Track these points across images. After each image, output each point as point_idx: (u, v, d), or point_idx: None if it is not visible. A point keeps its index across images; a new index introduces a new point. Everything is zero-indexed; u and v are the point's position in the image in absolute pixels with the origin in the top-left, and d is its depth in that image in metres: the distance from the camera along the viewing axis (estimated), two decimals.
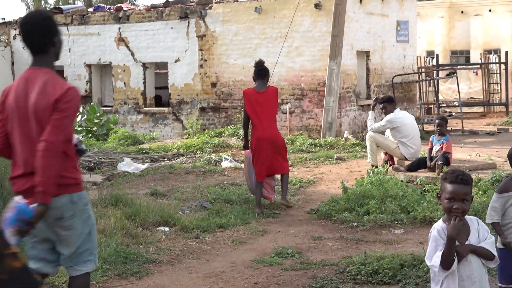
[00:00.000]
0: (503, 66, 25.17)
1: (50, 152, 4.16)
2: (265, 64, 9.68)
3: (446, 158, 10.74)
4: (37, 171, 4.16)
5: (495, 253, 3.92)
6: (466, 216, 3.97)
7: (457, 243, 3.85)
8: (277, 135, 9.45)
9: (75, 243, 4.40)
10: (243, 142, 10.20)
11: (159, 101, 20.78)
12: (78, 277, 4.47)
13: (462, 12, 31.72)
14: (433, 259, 3.86)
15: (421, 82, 21.88)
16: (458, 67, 26.40)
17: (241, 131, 16.07)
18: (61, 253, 4.43)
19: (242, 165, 12.97)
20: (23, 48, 21.21)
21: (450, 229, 3.81)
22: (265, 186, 9.46)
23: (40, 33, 4.39)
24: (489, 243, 3.91)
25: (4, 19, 24.71)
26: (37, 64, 4.44)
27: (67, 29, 20.52)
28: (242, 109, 10.01)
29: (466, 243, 3.88)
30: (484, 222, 4.33)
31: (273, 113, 9.46)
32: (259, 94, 9.28)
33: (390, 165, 11.64)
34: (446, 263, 3.79)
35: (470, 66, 27.27)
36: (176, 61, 19.11)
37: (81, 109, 18.25)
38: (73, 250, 4.40)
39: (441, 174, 10.27)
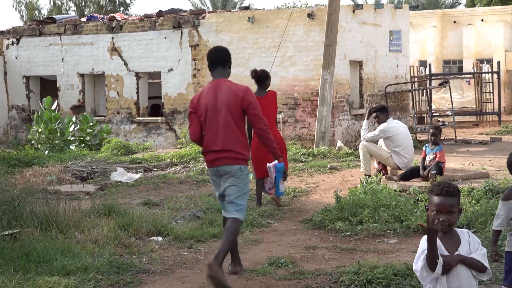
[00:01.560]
0: (495, 76, 25.28)
1: (265, 133, 6.70)
2: None
3: (439, 168, 10.76)
4: (268, 145, 6.80)
5: (487, 264, 3.85)
6: (457, 229, 3.93)
7: (446, 253, 3.82)
8: (278, 136, 9.81)
9: (235, 195, 6.58)
10: None
11: (157, 110, 20.71)
12: (231, 219, 6.53)
13: (454, 21, 31.84)
14: (417, 264, 3.85)
15: (414, 92, 21.94)
16: (451, 76, 26.47)
17: None
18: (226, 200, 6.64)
19: None
20: (15, 57, 21.20)
21: (428, 223, 3.79)
22: (266, 182, 9.83)
23: (224, 57, 6.88)
24: (481, 254, 3.86)
25: None
26: (219, 76, 6.84)
27: (60, 38, 20.51)
28: None
29: (456, 253, 3.85)
30: (475, 232, 4.33)
31: (273, 116, 10.01)
32: (259, 99, 9.32)
33: (383, 175, 11.65)
34: (430, 262, 3.75)
35: (462, 76, 27.35)
36: (169, 70, 19.11)
37: (73, 118, 18.24)
38: (232, 199, 6.56)
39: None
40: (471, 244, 3.89)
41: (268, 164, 8.08)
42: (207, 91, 6.76)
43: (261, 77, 10.00)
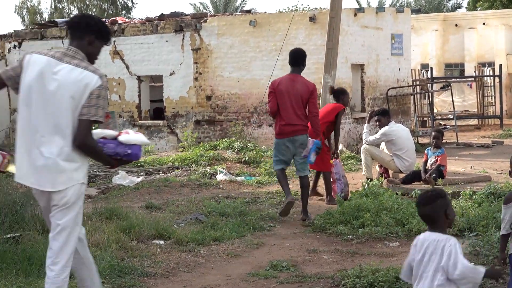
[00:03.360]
0: (497, 79, 25.29)
1: (316, 118, 9.39)
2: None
3: (440, 171, 10.77)
4: (314, 126, 9.41)
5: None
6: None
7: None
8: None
9: (304, 159, 9.40)
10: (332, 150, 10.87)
11: (160, 114, 20.68)
12: (304, 177, 9.56)
13: (456, 25, 31.87)
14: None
15: (415, 95, 21.95)
16: (453, 80, 26.49)
17: (237, 144, 16.06)
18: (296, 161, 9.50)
19: (237, 178, 12.98)
20: (17, 61, 21.19)
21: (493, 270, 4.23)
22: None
23: (302, 58, 9.61)
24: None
25: None
26: (296, 72, 9.51)
27: (62, 42, 20.53)
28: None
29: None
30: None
31: (327, 120, 10.95)
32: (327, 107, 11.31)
33: (385, 178, 11.65)
34: None
35: (464, 79, 27.37)
36: (171, 74, 19.13)
37: None
38: (302, 161, 9.43)
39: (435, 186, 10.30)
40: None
41: (309, 138, 9.47)
42: (286, 81, 9.40)
43: (337, 93, 11.24)
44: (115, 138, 5.05)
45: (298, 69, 9.53)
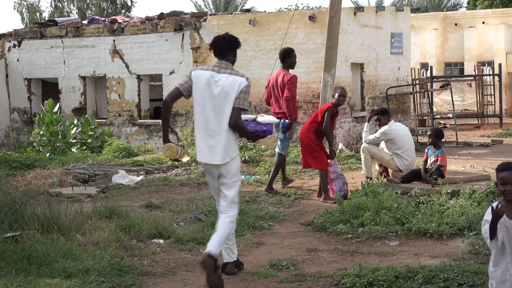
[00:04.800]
0: (496, 78, 25.29)
1: (286, 101, 11.15)
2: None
3: (440, 172, 10.76)
4: (284, 108, 11.21)
5: None
6: None
7: (508, 220, 4.63)
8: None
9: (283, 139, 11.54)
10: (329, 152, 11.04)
11: (160, 113, 20.68)
12: (278, 154, 11.60)
13: (455, 24, 31.87)
14: (483, 229, 4.77)
15: (415, 94, 21.96)
16: (452, 79, 26.49)
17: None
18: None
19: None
20: (17, 60, 21.23)
21: (496, 208, 4.60)
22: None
23: (286, 55, 11.54)
24: None
25: None
26: (283, 68, 11.41)
27: (62, 41, 20.54)
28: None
29: None
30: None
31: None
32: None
33: (385, 177, 11.65)
34: (491, 233, 4.67)
35: (464, 78, 27.37)
36: (171, 73, 19.13)
37: (75, 121, 18.26)
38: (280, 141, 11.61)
39: (435, 185, 10.30)
40: None
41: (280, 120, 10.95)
42: (274, 76, 11.58)
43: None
44: (254, 120, 6.92)
45: (284, 65, 11.45)
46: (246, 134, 6.85)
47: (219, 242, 6.51)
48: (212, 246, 6.39)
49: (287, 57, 11.40)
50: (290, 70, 11.49)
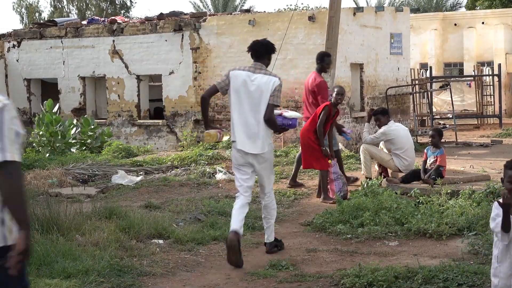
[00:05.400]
0: (496, 78, 25.30)
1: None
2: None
3: (439, 172, 10.76)
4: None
5: None
6: None
7: None
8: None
9: None
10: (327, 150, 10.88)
11: (160, 113, 20.66)
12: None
13: (455, 24, 31.89)
14: (493, 224, 4.79)
15: (414, 94, 21.95)
16: (452, 79, 26.50)
17: None
18: None
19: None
20: (16, 60, 21.22)
21: (503, 199, 4.66)
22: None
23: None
24: None
25: None
26: (316, 70, 11.52)
27: (61, 41, 20.54)
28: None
29: None
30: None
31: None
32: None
33: (384, 177, 11.65)
34: (505, 226, 4.67)
35: (463, 78, 27.38)
36: (170, 73, 19.13)
37: (75, 121, 18.25)
38: None
39: (435, 185, 10.30)
40: None
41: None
42: (308, 77, 11.75)
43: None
44: (280, 115, 7.67)
45: (316, 67, 11.59)
46: (275, 127, 7.58)
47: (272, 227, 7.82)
48: (271, 233, 7.77)
49: (318, 60, 11.50)
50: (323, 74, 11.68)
